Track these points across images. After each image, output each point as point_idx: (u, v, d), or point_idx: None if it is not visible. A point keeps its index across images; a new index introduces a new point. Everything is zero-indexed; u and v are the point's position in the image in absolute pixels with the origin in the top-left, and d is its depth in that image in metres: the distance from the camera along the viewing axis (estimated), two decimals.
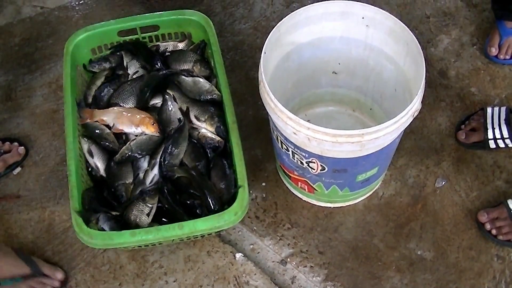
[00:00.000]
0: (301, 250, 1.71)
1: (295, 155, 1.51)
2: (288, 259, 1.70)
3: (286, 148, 1.52)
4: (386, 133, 1.36)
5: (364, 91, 1.82)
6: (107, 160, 1.70)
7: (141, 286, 1.67)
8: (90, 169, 1.71)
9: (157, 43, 1.92)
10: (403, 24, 1.51)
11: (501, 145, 1.82)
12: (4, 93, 2.06)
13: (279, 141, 1.53)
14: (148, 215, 1.58)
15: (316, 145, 1.39)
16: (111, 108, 1.72)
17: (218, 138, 1.68)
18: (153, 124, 1.67)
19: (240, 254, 1.70)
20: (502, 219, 1.70)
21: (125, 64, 1.87)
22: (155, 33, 1.90)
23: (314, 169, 1.53)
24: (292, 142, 1.47)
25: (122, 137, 1.73)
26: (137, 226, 1.56)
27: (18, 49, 2.20)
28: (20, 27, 2.26)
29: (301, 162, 1.53)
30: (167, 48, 1.91)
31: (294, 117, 1.35)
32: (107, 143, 1.71)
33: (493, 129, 1.82)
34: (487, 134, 1.82)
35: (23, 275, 1.62)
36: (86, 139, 1.70)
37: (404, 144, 1.87)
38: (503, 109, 1.84)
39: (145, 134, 1.68)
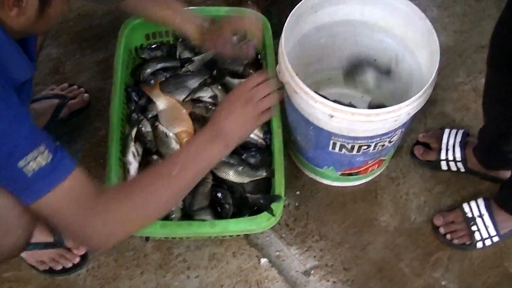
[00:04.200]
0: (326, 264, 1.70)
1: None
2: (312, 271, 1.69)
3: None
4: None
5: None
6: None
7: (162, 278, 1.67)
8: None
9: None
10: (421, 12, 1.55)
11: (453, 168, 1.84)
12: (53, 65, 2.07)
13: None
14: (181, 210, 1.59)
15: None
16: (168, 98, 1.71)
17: (260, 140, 1.68)
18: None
19: (265, 259, 1.69)
20: (458, 223, 1.72)
21: (177, 54, 1.87)
22: None
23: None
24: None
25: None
26: (166, 216, 1.57)
27: (72, 24, 2.20)
28: (78, 2, 2.25)
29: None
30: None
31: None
32: (145, 140, 1.69)
33: (447, 150, 1.82)
34: (440, 155, 1.83)
35: (45, 242, 1.62)
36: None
37: (443, 172, 1.86)
38: (460, 132, 1.85)
39: None
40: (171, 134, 1.66)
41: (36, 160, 1.06)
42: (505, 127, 1.60)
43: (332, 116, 1.40)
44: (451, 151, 1.82)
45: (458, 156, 1.81)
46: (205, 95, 1.75)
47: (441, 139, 1.85)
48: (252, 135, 1.67)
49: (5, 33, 1.10)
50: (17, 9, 1.06)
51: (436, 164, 1.85)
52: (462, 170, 1.83)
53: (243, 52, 1.69)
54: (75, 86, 1.97)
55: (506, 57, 1.44)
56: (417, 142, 1.90)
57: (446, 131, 1.87)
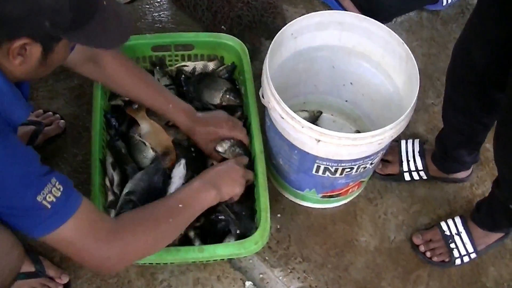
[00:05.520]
0: (310, 285, 1.72)
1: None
2: None
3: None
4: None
5: (351, 101, 1.91)
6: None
7: None
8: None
9: (188, 62, 1.92)
10: (398, 37, 1.61)
11: (416, 177, 1.91)
12: None
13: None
14: None
15: None
16: (153, 122, 1.73)
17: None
18: (167, 168, 1.67)
19: (249, 282, 1.70)
20: (436, 241, 1.77)
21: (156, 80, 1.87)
22: (189, 52, 1.91)
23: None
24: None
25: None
26: None
27: None
28: None
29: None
30: (195, 68, 1.91)
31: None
32: (125, 166, 1.68)
33: (408, 161, 1.89)
34: (402, 167, 1.89)
35: (26, 272, 1.60)
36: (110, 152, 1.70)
37: (418, 192, 1.91)
38: (417, 141, 1.92)
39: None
40: (148, 143, 1.69)
41: (52, 192, 1.12)
42: (464, 135, 1.70)
43: (319, 141, 1.43)
44: (412, 161, 1.89)
45: (419, 165, 1.88)
46: None
47: (400, 151, 1.91)
48: None
49: (6, 80, 1.12)
50: (21, 57, 1.09)
51: (399, 177, 1.91)
52: (425, 177, 1.90)
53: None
54: (50, 113, 1.95)
55: (467, 70, 1.53)
56: None
57: (403, 142, 1.93)
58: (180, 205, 1.38)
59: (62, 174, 1.17)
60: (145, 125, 1.72)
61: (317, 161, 1.54)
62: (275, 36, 1.57)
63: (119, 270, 1.33)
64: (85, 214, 1.18)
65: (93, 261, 1.25)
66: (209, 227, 1.60)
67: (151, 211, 1.36)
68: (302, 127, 1.43)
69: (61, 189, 1.14)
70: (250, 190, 1.65)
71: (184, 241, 1.58)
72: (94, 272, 1.65)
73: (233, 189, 1.54)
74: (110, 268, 1.29)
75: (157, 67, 1.89)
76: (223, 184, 1.50)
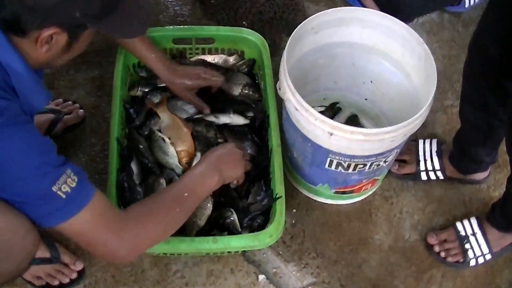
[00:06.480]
0: (323, 281, 1.72)
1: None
2: None
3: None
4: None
5: (370, 99, 1.91)
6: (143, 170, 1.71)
7: None
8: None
9: (207, 55, 1.93)
10: (418, 36, 1.60)
11: (432, 177, 1.90)
12: (47, 81, 2.05)
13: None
14: None
15: None
16: (173, 116, 1.74)
17: None
18: (186, 163, 1.69)
19: (263, 276, 1.71)
20: (451, 241, 1.76)
21: None
22: (209, 46, 1.92)
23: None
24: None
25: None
26: None
27: None
28: None
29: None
30: (215, 60, 1.92)
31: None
32: (144, 160, 1.70)
33: (425, 161, 1.89)
34: (419, 166, 1.88)
35: (41, 258, 1.62)
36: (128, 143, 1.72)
37: (434, 192, 1.90)
38: (434, 141, 1.92)
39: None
40: (167, 140, 1.69)
41: (67, 183, 1.14)
42: (481, 132, 1.69)
43: (331, 134, 1.44)
44: (429, 161, 1.88)
45: (436, 165, 1.88)
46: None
47: (417, 151, 1.91)
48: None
49: (28, 67, 1.16)
50: (47, 45, 1.13)
51: (416, 176, 1.90)
52: (441, 178, 1.90)
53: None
54: (70, 102, 1.97)
55: (483, 64, 1.53)
56: None
57: (420, 141, 1.93)
58: (185, 194, 1.39)
59: (76, 166, 1.19)
60: (166, 118, 1.74)
61: (330, 155, 1.54)
62: (295, 29, 1.58)
63: (131, 260, 1.33)
64: (97, 205, 1.20)
65: (105, 252, 1.26)
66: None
67: (159, 201, 1.37)
68: (315, 119, 1.44)
69: (76, 180, 1.16)
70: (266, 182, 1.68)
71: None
72: (108, 262, 1.67)
73: (236, 171, 1.55)
74: (122, 258, 1.29)
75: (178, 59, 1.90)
76: (225, 168, 1.50)
